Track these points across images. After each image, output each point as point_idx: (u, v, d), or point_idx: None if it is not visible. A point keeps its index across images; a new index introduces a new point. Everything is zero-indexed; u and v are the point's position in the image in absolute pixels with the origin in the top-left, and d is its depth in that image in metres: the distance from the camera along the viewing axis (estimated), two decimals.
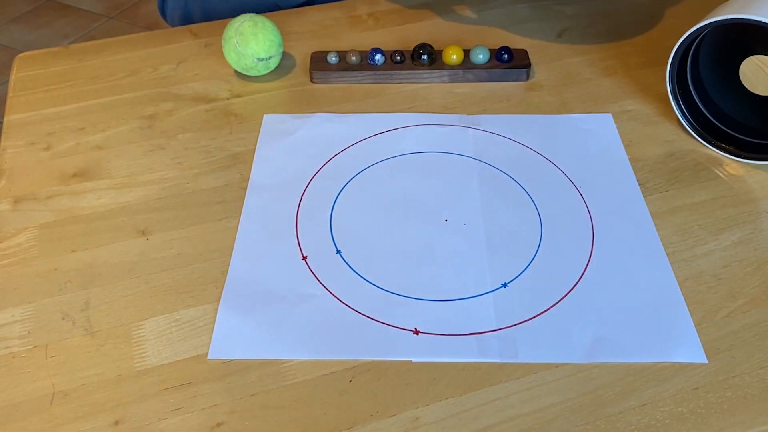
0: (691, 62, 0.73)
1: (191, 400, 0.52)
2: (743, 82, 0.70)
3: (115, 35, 0.90)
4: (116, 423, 0.51)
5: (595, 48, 0.87)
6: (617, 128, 0.75)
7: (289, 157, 0.72)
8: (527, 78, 0.81)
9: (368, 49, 0.82)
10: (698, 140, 0.73)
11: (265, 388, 0.53)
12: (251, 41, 0.76)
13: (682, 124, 0.74)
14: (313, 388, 0.53)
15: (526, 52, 0.83)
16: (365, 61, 0.82)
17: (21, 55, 0.87)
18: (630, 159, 0.71)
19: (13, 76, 0.83)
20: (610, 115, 0.77)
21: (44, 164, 0.72)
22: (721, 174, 0.70)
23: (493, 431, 0.50)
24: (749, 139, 0.71)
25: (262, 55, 0.78)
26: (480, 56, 0.81)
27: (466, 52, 0.82)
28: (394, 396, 0.52)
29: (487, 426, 0.51)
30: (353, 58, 0.81)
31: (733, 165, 0.71)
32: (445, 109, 0.78)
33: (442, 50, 0.82)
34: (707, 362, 0.54)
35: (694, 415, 0.51)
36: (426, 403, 0.52)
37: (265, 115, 0.77)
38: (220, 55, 0.84)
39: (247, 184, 0.69)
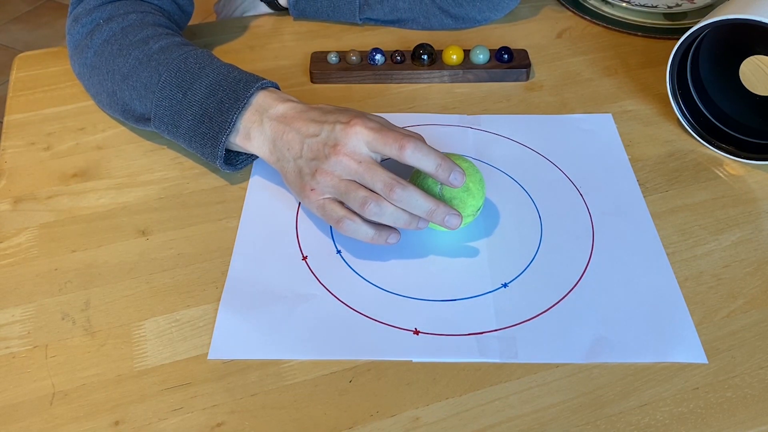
0: (691, 62, 0.73)
1: (191, 400, 0.52)
2: (743, 82, 0.70)
3: None
4: (116, 423, 0.51)
5: (595, 48, 0.87)
6: (617, 128, 0.75)
7: None
8: (527, 78, 0.81)
9: (368, 49, 0.82)
10: (698, 140, 0.73)
11: (265, 388, 0.53)
12: (468, 199, 0.60)
13: (682, 124, 0.74)
14: (313, 388, 0.53)
15: (526, 52, 0.83)
16: (365, 61, 0.82)
17: (21, 55, 0.87)
18: (630, 159, 0.71)
19: (13, 76, 0.83)
20: (610, 115, 0.77)
21: (44, 164, 0.72)
22: (721, 174, 0.70)
23: (493, 431, 0.50)
24: (749, 139, 0.71)
25: (481, 202, 0.62)
26: (480, 56, 0.81)
27: (466, 52, 0.82)
28: (394, 396, 0.52)
29: (487, 426, 0.51)
30: (353, 58, 0.81)
31: (733, 165, 0.71)
32: (445, 109, 0.78)
33: (442, 50, 0.82)
34: (707, 362, 0.54)
35: (694, 415, 0.51)
36: (426, 403, 0.52)
37: None
38: (220, 55, 0.84)
39: (247, 184, 0.69)
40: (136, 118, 0.69)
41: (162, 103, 0.65)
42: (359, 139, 0.57)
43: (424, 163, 0.57)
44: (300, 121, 0.61)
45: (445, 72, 0.81)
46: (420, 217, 0.58)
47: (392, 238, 0.59)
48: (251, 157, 0.69)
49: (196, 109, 0.64)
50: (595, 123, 0.76)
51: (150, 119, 0.67)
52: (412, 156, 0.57)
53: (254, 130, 0.63)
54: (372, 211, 0.57)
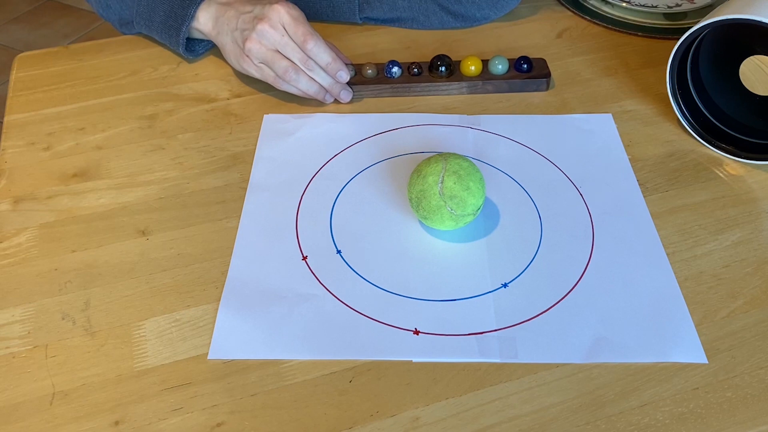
0: (691, 62, 0.73)
1: (191, 400, 0.52)
2: (743, 82, 0.70)
3: (115, 35, 0.89)
4: (116, 423, 0.51)
5: (595, 48, 0.87)
6: (617, 128, 0.75)
7: (289, 157, 0.72)
8: (547, 87, 0.80)
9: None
10: (698, 140, 0.73)
11: (265, 388, 0.53)
12: (468, 199, 0.60)
13: (682, 124, 0.74)
14: (313, 388, 0.53)
15: (544, 61, 0.81)
16: (382, 74, 0.79)
17: (21, 55, 0.87)
18: (630, 159, 0.71)
19: (13, 76, 0.83)
20: (610, 115, 0.77)
21: (44, 164, 0.72)
22: (721, 174, 0.70)
23: (493, 431, 0.50)
24: (749, 139, 0.71)
25: (481, 202, 0.62)
26: (499, 66, 0.79)
27: (485, 63, 0.80)
28: (394, 396, 0.52)
29: (487, 426, 0.51)
30: (369, 71, 0.79)
31: (733, 165, 0.71)
32: (445, 109, 0.78)
33: (459, 61, 0.80)
34: (707, 362, 0.54)
35: (694, 415, 0.51)
36: (426, 403, 0.52)
37: (265, 115, 0.77)
38: (221, 55, 0.84)
39: (247, 184, 0.69)
40: (123, 23, 0.86)
41: (140, 8, 0.81)
42: (280, 16, 0.72)
43: (319, 58, 0.73)
44: (239, 3, 0.76)
45: (464, 83, 0.79)
46: (326, 91, 0.76)
47: (324, 95, 0.76)
48: (208, 44, 0.84)
49: (165, 7, 0.79)
50: (595, 123, 0.76)
51: (132, 22, 0.84)
52: (312, 50, 0.73)
53: (202, 12, 0.78)
54: (291, 77, 0.73)
